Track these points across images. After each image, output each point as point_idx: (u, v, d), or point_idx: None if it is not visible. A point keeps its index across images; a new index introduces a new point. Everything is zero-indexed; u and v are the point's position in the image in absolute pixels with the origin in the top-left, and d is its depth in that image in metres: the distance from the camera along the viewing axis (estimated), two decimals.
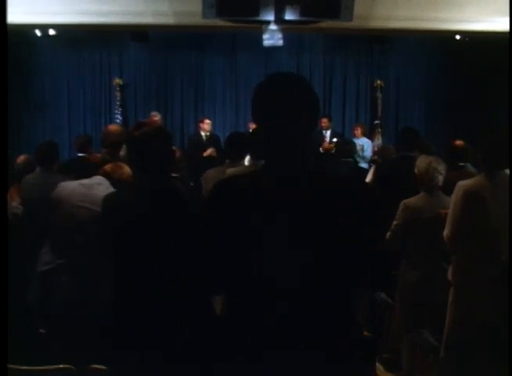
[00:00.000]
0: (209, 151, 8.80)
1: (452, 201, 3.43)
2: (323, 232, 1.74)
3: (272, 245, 1.74)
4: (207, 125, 9.26)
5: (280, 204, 1.75)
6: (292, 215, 1.74)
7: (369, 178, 5.56)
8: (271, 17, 6.51)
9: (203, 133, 9.28)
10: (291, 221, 1.74)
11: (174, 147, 2.66)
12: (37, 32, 8.62)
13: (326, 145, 8.84)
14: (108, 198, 2.59)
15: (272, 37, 6.72)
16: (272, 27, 6.63)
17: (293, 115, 1.79)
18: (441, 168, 4.01)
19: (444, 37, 9.09)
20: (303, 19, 6.52)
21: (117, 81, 10.48)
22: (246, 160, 4.55)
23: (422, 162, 4.05)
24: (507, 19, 6.24)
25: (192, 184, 5.61)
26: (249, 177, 1.92)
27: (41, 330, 3.21)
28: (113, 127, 5.23)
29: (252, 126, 8.93)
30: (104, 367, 2.52)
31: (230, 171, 4.21)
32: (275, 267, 1.74)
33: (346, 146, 6.36)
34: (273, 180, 1.79)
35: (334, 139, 8.74)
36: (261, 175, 1.85)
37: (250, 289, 1.80)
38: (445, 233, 3.44)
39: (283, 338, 1.76)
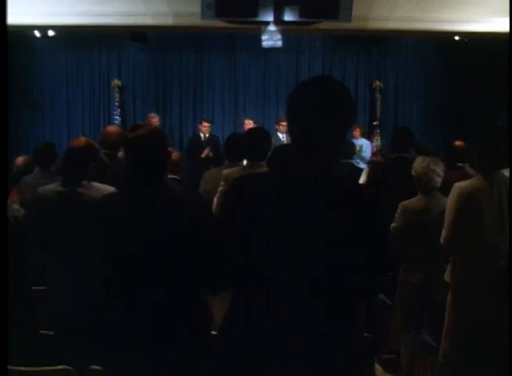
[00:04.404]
0: (205, 152, 8.86)
1: (448, 203, 3.43)
2: (333, 233, 1.76)
3: (282, 243, 1.76)
4: (204, 128, 9.32)
5: (296, 205, 1.77)
6: (306, 215, 1.76)
7: (362, 180, 5.54)
8: (270, 18, 6.51)
9: (201, 134, 9.33)
10: (304, 221, 1.76)
11: (170, 149, 2.67)
12: (37, 33, 8.62)
13: None
14: (104, 199, 2.61)
15: (271, 38, 6.73)
16: (271, 27, 6.63)
17: (330, 125, 1.80)
18: (439, 169, 4.01)
19: (443, 38, 9.10)
20: (302, 20, 6.53)
21: (116, 82, 10.47)
22: (245, 162, 4.55)
23: (420, 164, 4.05)
24: (507, 19, 6.23)
25: (190, 185, 5.62)
26: (267, 177, 1.94)
27: (41, 332, 3.21)
28: (111, 128, 5.23)
29: (248, 124, 8.96)
30: (104, 368, 2.52)
31: (226, 172, 4.23)
32: (283, 265, 1.77)
33: (345, 148, 6.35)
34: (293, 181, 1.80)
35: None
36: (280, 175, 1.86)
37: (258, 284, 1.81)
38: (442, 234, 3.44)
39: (284, 339, 1.77)
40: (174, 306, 2.33)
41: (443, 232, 3.44)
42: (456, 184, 3.40)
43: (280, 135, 8.74)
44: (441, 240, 3.45)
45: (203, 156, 8.83)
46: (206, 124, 9.37)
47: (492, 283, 3.29)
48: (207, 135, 9.32)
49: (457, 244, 3.41)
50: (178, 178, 4.51)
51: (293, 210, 1.76)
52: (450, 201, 3.40)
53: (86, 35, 9.71)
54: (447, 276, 3.55)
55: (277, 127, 8.93)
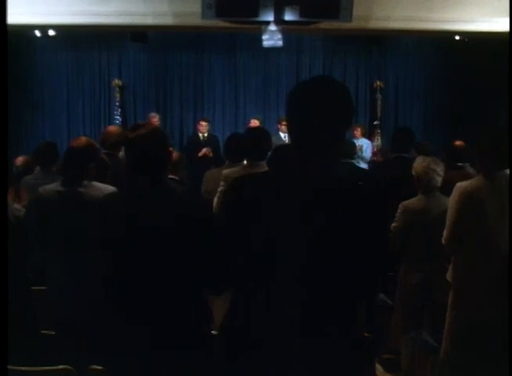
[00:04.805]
0: (203, 151, 8.88)
1: (450, 203, 3.43)
2: (333, 233, 1.76)
3: (282, 243, 1.76)
4: (202, 127, 9.34)
5: (295, 205, 1.76)
6: (306, 215, 1.76)
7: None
8: (270, 18, 6.51)
9: (200, 134, 9.34)
10: (304, 221, 1.76)
11: (171, 149, 2.66)
12: (37, 33, 8.62)
13: None
14: (105, 199, 2.61)
15: (272, 38, 6.72)
16: (272, 27, 6.62)
17: (330, 125, 1.80)
18: (440, 169, 4.01)
19: (443, 38, 9.10)
20: (302, 19, 6.52)
21: (117, 82, 10.48)
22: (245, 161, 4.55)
23: (420, 164, 4.05)
24: (507, 19, 6.24)
25: (190, 185, 5.61)
26: (266, 176, 1.94)
27: (42, 331, 3.21)
28: (112, 128, 5.24)
29: (254, 124, 8.96)
30: (104, 368, 2.52)
31: (226, 172, 4.24)
32: (283, 265, 1.77)
33: (346, 147, 6.34)
34: (293, 181, 1.80)
35: None
36: (280, 175, 1.86)
37: (258, 284, 1.81)
38: (444, 235, 3.45)
39: (284, 339, 1.77)
40: (174, 306, 2.33)
41: (444, 232, 3.43)
42: (458, 184, 3.40)
43: (282, 135, 8.73)
44: (443, 240, 3.45)
45: (200, 155, 8.84)
46: (203, 123, 9.38)
47: (492, 283, 3.29)
48: (205, 135, 9.33)
49: (458, 243, 3.41)
50: (176, 178, 4.50)
51: (293, 210, 1.76)
52: (452, 201, 3.39)
53: (86, 35, 9.71)
54: (449, 276, 3.55)
55: (279, 126, 8.93)
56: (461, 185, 3.38)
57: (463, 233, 3.37)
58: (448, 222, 3.42)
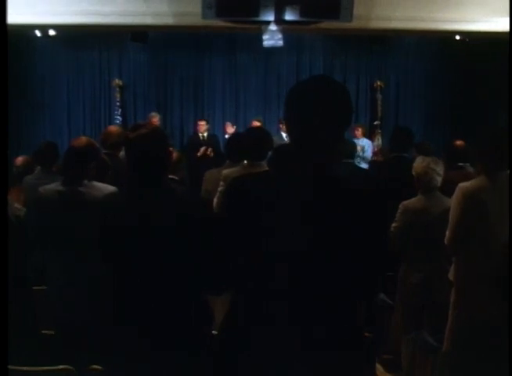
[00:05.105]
0: (202, 150, 8.87)
1: (452, 204, 3.42)
2: (333, 233, 1.75)
3: (281, 243, 1.76)
4: (201, 127, 9.36)
5: (295, 205, 1.76)
6: (306, 215, 1.76)
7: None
8: (271, 18, 6.51)
9: (200, 134, 9.35)
10: (304, 221, 1.76)
11: (171, 148, 2.66)
12: (37, 32, 8.62)
13: None
14: (105, 199, 2.61)
15: (272, 38, 6.72)
16: (272, 27, 6.63)
17: (330, 125, 1.80)
18: (439, 168, 4.01)
19: (444, 38, 9.11)
20: (303, 19, 6.52)
21: (117, 81, 10.49)
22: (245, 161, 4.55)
23: (420, 163, 4.04)
24: (507, 19, 6.24)
25: (190, 185, 5.60)
26: (266, 176, 1.93)
27: (42, 331, 3.21)
28: (112, 128, 5.24)
29: (255, 123, 8.96)
30: (104, 368, 2.52)
31: (226, 172, 4.24)
32: (283, 265, 1.76)
33: (346, 147, 6.34)
34: (293, 181, 1.79)
35: None
36: (280, 175, 1.86)
37: (258, 284, 1.81)
38: (446, 235, 3.44)
39: (284, 339, 1.77)
40: (174, 306, 2.33)
41: (447, 233, 3.43)
42: (460, 185, 3.40)
43: (284, 135, 8.71)
44: (445, 241, 3.45)
45: (199, 154, 8.84)
46: (201, 123, 9.41)
47: (494, 283, 3.29)
48: (205, 135, 9.33)
49: (460, 244, 3.41)
50: (176, 178, 4.50)
51: (292, 210, 1.76)
52: (454, 202, 3.39)
53: (86, 35, 9.72)
54: (451, 275, 3.55)
55: (280, 126, 8.93)
56: (463, 185, 3.38)
57: (466, 233, 3.36)
58: (450, 223, 3.41)
